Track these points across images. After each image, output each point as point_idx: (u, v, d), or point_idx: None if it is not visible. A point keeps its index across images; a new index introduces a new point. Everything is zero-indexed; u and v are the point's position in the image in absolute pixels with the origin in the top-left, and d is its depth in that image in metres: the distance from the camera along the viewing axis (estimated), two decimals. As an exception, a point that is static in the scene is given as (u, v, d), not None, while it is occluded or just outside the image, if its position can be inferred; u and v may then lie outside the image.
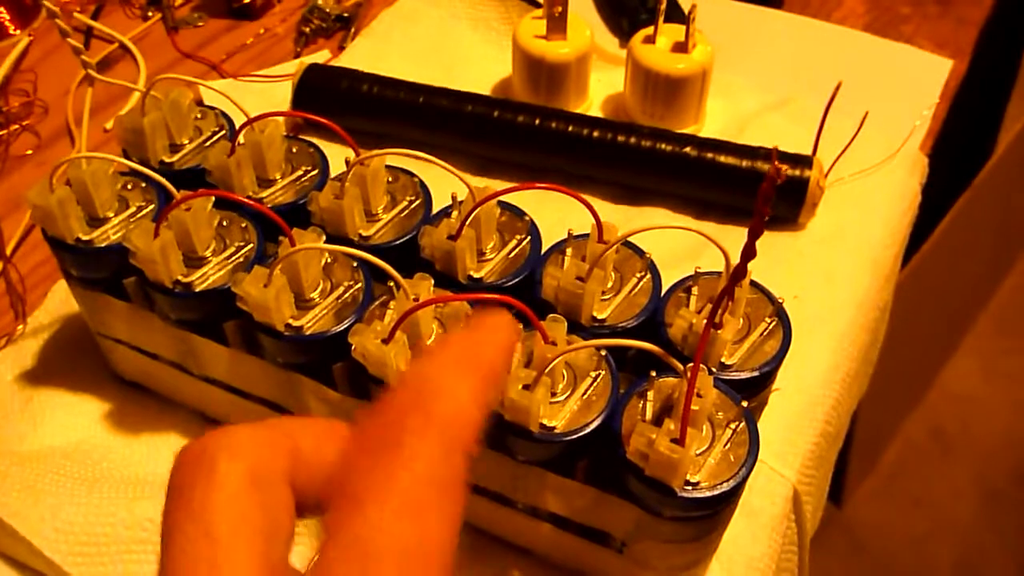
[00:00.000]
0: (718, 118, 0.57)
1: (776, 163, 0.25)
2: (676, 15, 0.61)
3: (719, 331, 0.32)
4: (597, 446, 0.32)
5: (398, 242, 0.37)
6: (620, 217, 0.51)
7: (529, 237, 0.37)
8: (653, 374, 0.32)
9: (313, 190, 0.37)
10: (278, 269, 0.33)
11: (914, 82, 0.59)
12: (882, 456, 1.33)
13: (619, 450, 0.31)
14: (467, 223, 0.35)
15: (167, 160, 0.40)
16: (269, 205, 0.39)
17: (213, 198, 0.36)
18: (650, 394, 0.32)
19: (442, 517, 0.19)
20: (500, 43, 0.61)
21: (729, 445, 0.31)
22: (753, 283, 0.35)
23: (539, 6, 0.55)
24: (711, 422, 0.32)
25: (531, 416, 0.31)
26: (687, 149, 0.50)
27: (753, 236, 0.26)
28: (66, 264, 0.38)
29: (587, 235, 0.36)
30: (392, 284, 0.33)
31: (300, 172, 0.40)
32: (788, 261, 0.49)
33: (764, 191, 0.24)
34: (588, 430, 0.31)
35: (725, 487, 0.30)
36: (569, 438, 0.31)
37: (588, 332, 0.34)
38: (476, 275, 0.36)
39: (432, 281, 0.33)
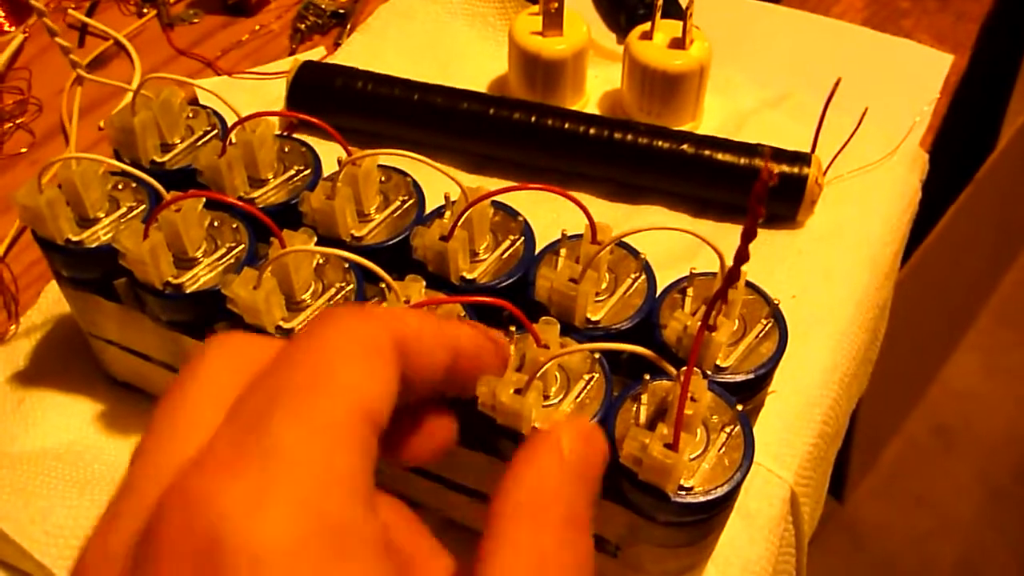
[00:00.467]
0: (716, 114, 0.56)
1: (768, 163, 0.25)
2: (674, 11, 0.61)
3: (713, 334, 0.32)
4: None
5: (391, 243, 0.37)
6: (617, 215, 0.51)
7: (523, 238, 0.37)
8: (647, 377, 0.32)
9: (305, 190, 0.37)
10: (268, 271, 0.32)
11: (914, 77, 0.59)
12: (883, 453, 1.33)
13: (612, 454, 0.30)
14: (459, 224, 0.34)
15: (158, 160, 0.40)
16: (261, 205, 0.38)
17: (204, 199, 0.36)
18: (644, 397, 0.32)
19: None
20: (497, 39, 0.60)
21: (724, 449, 0.31)
22: (749, 284, 0.35)
23: (536, 2, 0.54)
24: (706, 426, 0.31)
25: (523, 420, 0.30)
26: (684, 146, 0.50)
27: (746, 238, 0.25)
28: (56, 265, 0.38)
29: (581, 235, 0.35)
30: (384, 286, 0.33)
31: (292, 172, 0.40)
32: (786, 259, 0.49)
33: (757, 191, 0.24)
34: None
35: (719, 492, 0.30)
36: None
37: (582, 334, 0.34)
38: (469, 276, 0.35)
39: (423, 283, 0.33)
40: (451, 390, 0.25)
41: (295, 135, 0.54)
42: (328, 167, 0.40)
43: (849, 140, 0.51)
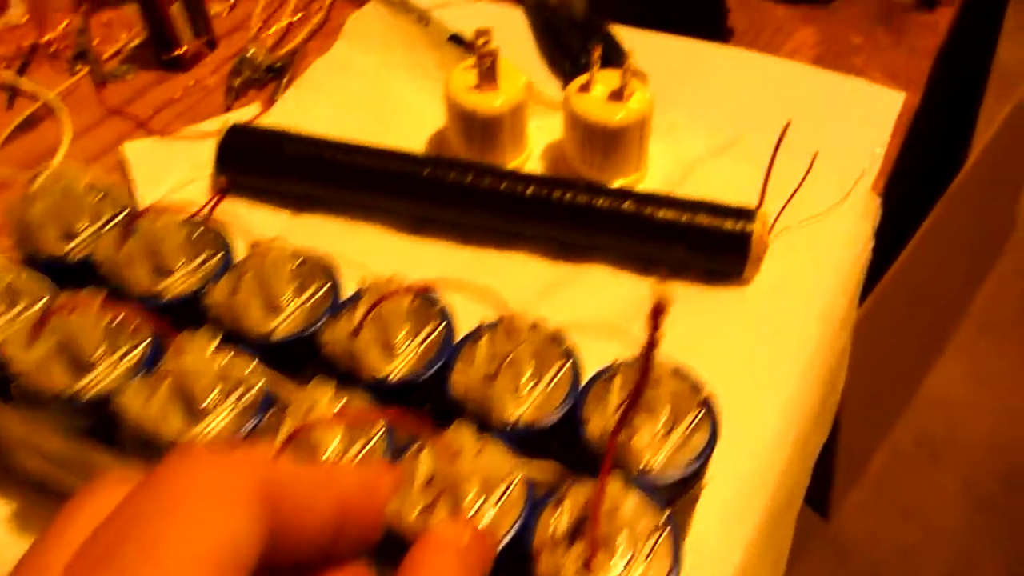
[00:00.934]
0: (662, 163, 0.54)
1: (663, 286, 0.23)
2: (616, 57, 0.59)
3: (632, 437, 0.30)
4: (509, 563, 0.30)
5: (302, 335, 0.35)
6: (559, 275, 0.49)
7: (443, 323, 0.35)
8: (569, 481, 0.30)
9: (210, 282, 0.35)
10: (164, 381, 0.30)
11: (866, 116, 0.57)
12: (868, 466, 1.31)
13: (529, 569, 0.28)
14: (368, 318, 0.32)
15: (57, 254, 0.38)
16: (167, 297, 0.36)
17: (101, 296, 0.34)
18: (566, 503, 0.30)
19: None
20: (436, 91, 0.58)
21: (652, 558, 0.29)
22: (679, 372, 0.33)
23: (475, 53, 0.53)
24: (632, 533, 0.29)
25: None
26: (625, 204, 0.48)
27: (648, 353, 0.24)
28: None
29: (499, 323, 0.33)
30: (287, 393, 0.31)
31: (203, 258, 0.38)
32: (733, 319, 0.47)
33: (654, 314, 0.22)
34: (498, 548, 0.29)
35: (645, 607, 0.28)
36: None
37: (501, 434, 0.32)
38: (381, 375, 0.33)
39: (333, 385, 0.31)
40: (345, 549, 0.23)
41: (231, 195, 0.53)
42: (261, 238, 0.37)
43: (797, 189, 0.50)
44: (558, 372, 0.33)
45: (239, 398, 0.33)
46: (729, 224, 0.47)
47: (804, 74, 0.59)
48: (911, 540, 1.23)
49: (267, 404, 0.32)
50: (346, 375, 0.33)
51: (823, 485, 1.20)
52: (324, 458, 0.31)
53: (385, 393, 0.33)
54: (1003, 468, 1.29)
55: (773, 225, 0.49)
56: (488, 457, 0.29)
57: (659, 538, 0.29)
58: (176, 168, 0.54)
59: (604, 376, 0.33)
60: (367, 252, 0.51)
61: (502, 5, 0.66)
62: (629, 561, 0.29)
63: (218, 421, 0.32)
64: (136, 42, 0.65)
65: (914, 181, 0.79)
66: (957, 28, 0.67)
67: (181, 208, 0.36)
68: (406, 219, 0.51)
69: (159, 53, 0.63)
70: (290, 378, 0.35)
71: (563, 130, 0.53)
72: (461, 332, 0.35)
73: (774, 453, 0.43)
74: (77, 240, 0.38)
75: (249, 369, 0.33)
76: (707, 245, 0.47)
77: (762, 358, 0.45)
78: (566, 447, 0.31)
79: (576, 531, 0.28)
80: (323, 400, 0.30)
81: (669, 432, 0.32)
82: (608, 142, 0.51)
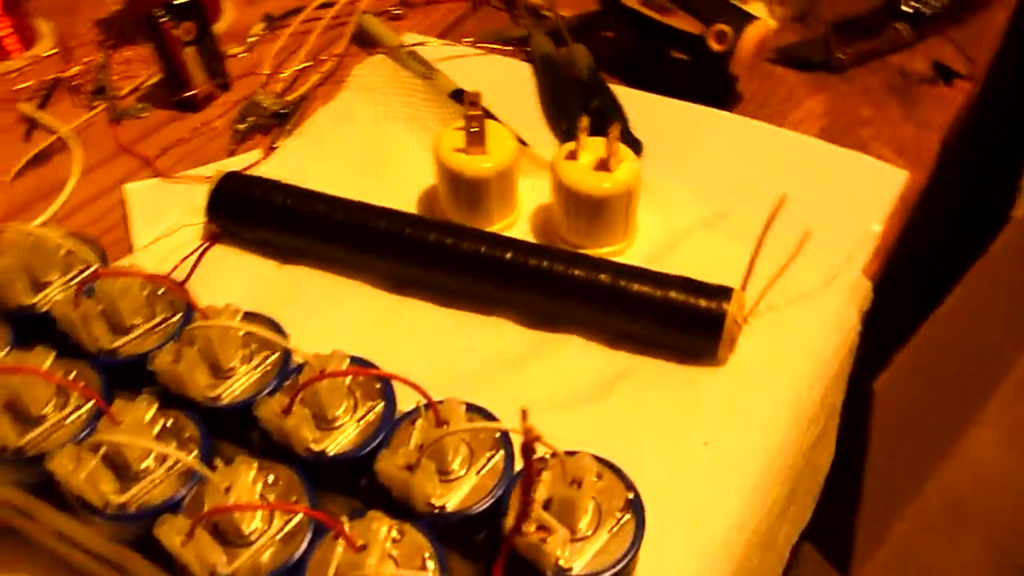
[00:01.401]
0: (652, 231, 0.54)
1: (530, 429, 0.23)
2: (617, 118, 0.59)
3: (546, 542, 0.29)
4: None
5: (241, 406, 0.35)
6: (533, 342, 0.49)
7: (383, 402, 0.35)
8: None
9: (157, 347, 0.36)
10: (96, 450, 0.31)
11: (866, 194, 0.56)
12: (893, 527, 1.28)
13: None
14: (301, 397, 0.33)
15: (23, 304, 0.39)
16: (122, 355, 0.37)
17: (52, 355, 0.35)
18: (475, 601, 0.30)
19: None
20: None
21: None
22: (611, 467, 0.33)
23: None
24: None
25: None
26: (601, 276, 0.48)
27: (526, 487, 0.23)
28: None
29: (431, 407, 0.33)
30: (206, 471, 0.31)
31: (162, 317, 0.39)
32: (702, 401, 0.46)
33: (525, 451, 0.22)
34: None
35: None
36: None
37: (423, 521, 0.32)
38: (316, 448, 0.34)
39: (255, 467, 0.31)
40: None
41: (219, 242, 0.54)
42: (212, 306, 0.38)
43: (782, 271, 0.49)
44: (490, 459, 0.33)
45: (170, 468, 0.33)
46: (703, 302, 0.46)
47: (805, 146, 0.59)
48: (934, 607, 1.20)
49: (196, 478, 0.33)
50: (281, 450, 0.33)
51: (845, 545, 1.17)
52: (247, 533, 0.31)
53: (317, 469, 0.33)
54: (1032, 537, 1.25)
55: (755, 306, 0.48)
56: (402, 546, 0.29)
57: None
58: (172, 211, 0.55)
59: (540, 467, 0.33)
60: (348, 307, 0.52)
61: (514, 60, 0.67)
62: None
63: (146, 490, 0.32)
64: (153, 80, 0.67)
65: (943, 245, 0.77)
66: (983, 101, 0.66)
67: (141, 271, 0.37)
68: (389, 276, 0.52)
69: (172, 93, 0.64)
70: (234, 444, 0.35)
71: (551, 195, 0.53)
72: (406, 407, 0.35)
73: (727, 545, 0.42)
74: (46, 292, 0.39)
75: (188, 434, 0.34)
76: (680, 323, 0.46)
77: (726, 445, 0.44)
78: (488, 540, 0.31)
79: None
80: (244, 479, 0.30)
81: (595, 531, 0.32)
82: (593, 211, 0.51)
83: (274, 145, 0.60)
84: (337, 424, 0.35)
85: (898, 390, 0.85)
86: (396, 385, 0.35)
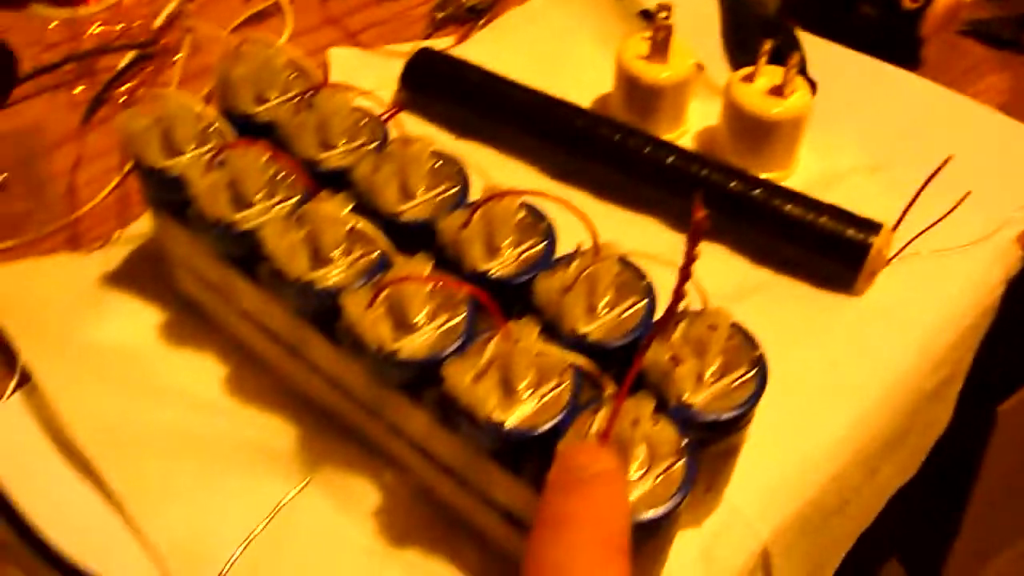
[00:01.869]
0: (810, 169, 0.56)
1: (699, 203, 0.26)
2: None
3: (677, 368, 0.33)
4: (545, 451, 0.33)
5: (426, 222, 0.39)
6: (678, 246, 0.51)
7: (545, 241, 0.39)
8: (608, 393, 0.33)
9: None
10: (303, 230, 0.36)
11: (1034, 169, 0.56)
12: (989, 564, 1.24)
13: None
14: (478, 216, 0.37)
15: (248, 112, 0.44)
16: (323, 168, 0.42)
17: (266, 150, 0.40)
18: (602, 412, 0.33)
19: None
20: (615, 54, 0.62)
21: (662, 479, 0.32)
22: (737, 327, 0.35)
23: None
24: (652, 450, 0.32)
25: (477, 406, 0.32)
26: (756, 192, 0.50)
27: (682, 278, 0.27)
28: (144, 185, 0.43)
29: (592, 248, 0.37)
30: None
31: (361, 141, 0.43)
32: (832, 327, 0.48)
33: (694, 229, 0.25)
34: (533, 434, 0.33)
35: (644, 517, 0.31)
36: (511, 435, 0.33)
37: (567, 343, 0.35)
38: (481, 268, 0.38)
39: (432, 263, 0.35)
40: None
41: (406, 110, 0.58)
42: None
43: (936, 223, 0.50)
44: (634, 305, 0.37)
45: (358, 258, 0.38)
46: (851, 231, 0.48)
47: (977, 114, 0.59)
48: None
49: (381, 266, 0.37)
50: (452, 264, 0.38)
51: (934, 571, 1.15)
52: (412, 320, 0.35)
53: (479, 284, 0.37)
54: None
55: (902, 249, 0.50)
56: (547, 354, 0.33)
57: (675, 463, 0.32)
58: (367, 77, 0.60)
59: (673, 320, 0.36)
60: (510, 185, 0.56)
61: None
62: (646, 472, 0.32)
63: (336, 272, 0.37)
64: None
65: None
66: None
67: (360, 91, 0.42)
68: (553, 163, 0.55)
69: (381, -22, 0.70)
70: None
71: (720, 116, 0.55)
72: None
73: (828, 456, 0.44)
74: (267, 105, 0.45)
75: (373, 236, 0.38)
76: (825, 247, 0.48)
77: (848, 370, 0.46)
78: (618, 374, 0.34)
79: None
80: (421, 270, 0.35)
81: (717, 380, 0.35)
82: (760, 134, 0.53)
83: (468, 35, 0.65)
84: (503, 253, 0.38)
85: (1017, 420, 0.83)
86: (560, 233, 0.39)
